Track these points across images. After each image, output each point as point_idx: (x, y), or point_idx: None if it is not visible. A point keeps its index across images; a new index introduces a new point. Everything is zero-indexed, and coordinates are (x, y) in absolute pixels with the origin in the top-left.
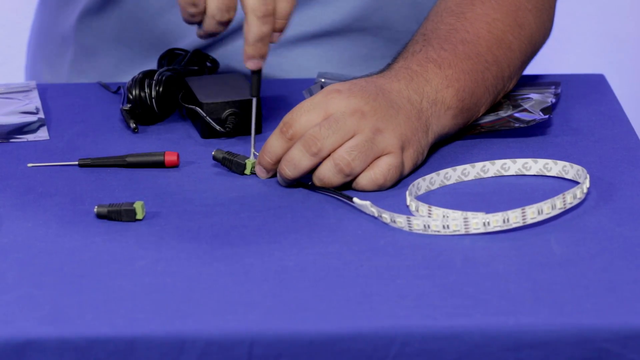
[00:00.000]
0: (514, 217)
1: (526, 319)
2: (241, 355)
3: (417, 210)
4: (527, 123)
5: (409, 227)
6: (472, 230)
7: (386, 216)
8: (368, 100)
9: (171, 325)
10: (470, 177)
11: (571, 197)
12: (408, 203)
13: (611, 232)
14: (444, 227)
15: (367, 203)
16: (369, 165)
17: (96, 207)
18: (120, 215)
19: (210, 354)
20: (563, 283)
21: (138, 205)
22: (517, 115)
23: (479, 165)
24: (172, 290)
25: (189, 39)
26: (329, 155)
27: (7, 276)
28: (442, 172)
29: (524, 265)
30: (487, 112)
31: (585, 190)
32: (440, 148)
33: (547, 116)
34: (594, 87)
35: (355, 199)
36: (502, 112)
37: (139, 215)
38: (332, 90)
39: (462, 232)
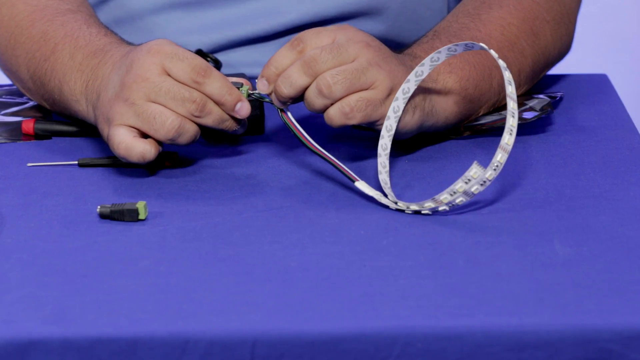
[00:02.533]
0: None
1: (529, 319)
2: (244, 356)
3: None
4: (529, 120)
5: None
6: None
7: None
8: (374, 40)
9: (174, 325)
10: (426, 73)
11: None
12: (389, 199)
13: (614, 232)
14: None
15: (377, 194)
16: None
17: (99, 207)
18: (122, 215)
19: (213, 354)
20: (566, 283)
21: (141, 205)
22: (521, 114)
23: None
24: (175, 290)
25: (189, 38)
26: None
27: (10, 276)
28: (399, 92)
29: (526, 265)
30: (490, 112)
31: (513, 90)
32: (441, 146)
33: (548, 110)
34: (597, 87)
35: (358, 184)
36: (505, 112)
37: (142, 216)
38: (339, 26)
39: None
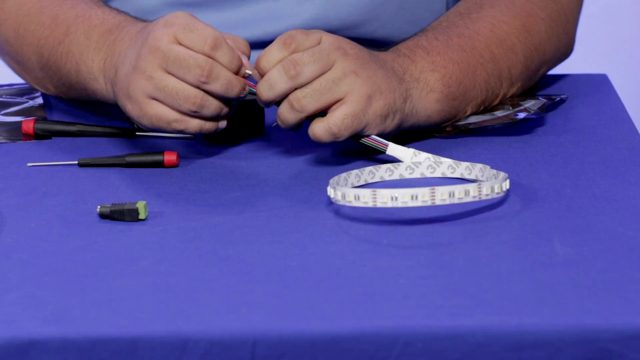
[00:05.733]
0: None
1: (529, 319)
2: (244, 356)
3: (343, 198)
4: (519, 121)
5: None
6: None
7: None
8: (353, 47)
9: (174, 325)
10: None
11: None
12: (332, 195)
13: (614, 232)
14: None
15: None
16: (326, 112)
17: (99, 207)
18: (123, 215)
19: (213, 354)
20: (566, 283)
21: (141, 205)
22: (515, 115)
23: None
24: (175, 290)
25: None
26: (306, 83)
27: (10, 276)
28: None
29: (526, 265)
30: (483, 112)
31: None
32: (441, 145)
33: (537, 111)
34: (596, 87)
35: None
36: (499, 112)
37: (142, 215)
38: (324, 31)
39: (429, 203)
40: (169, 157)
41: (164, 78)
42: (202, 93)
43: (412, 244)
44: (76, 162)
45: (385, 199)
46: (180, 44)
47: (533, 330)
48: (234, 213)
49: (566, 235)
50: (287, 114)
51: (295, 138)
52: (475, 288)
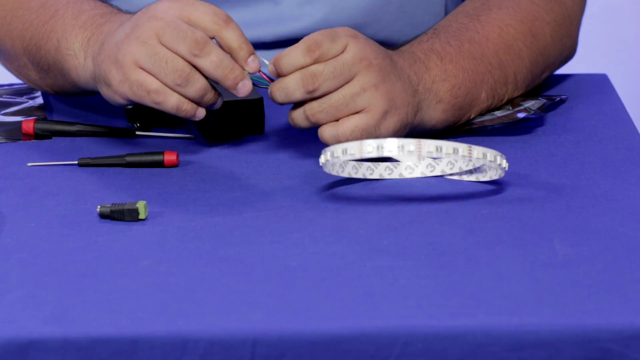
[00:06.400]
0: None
1: (529, 319)
2: (244, 355)
3: (332, 155)
4: (519, 120)
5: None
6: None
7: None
8: (377, 56)
9: (174, 325)
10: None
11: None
12: (322, 160)
13: (614, 232)
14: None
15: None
16: (339, 120)
17: (99, 206)
18: (123, 215)
19: (213, 353)
20: (566, 283)
21: (141, 205)
22: (515, 115)
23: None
24: (175, 290)
25: None
26: (322, 95)
27: (10, 276)
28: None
29: (526, 265)
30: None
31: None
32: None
33: (537, 111)
34: (597, 86)
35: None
36: (499, 112)
37: (142, 215)
38: (351, 33)
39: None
40: (169, 157)
41: (157, 46)
42: (191, 67)
43: (411, 244)
44: (76, 162)
45: (370, 148)
46: (189, 19)
47: (533, 330)
48: (234, 213)
49: (566, 235)
50: (299, 121)
51: (296, 138)
52: (475, 288)
